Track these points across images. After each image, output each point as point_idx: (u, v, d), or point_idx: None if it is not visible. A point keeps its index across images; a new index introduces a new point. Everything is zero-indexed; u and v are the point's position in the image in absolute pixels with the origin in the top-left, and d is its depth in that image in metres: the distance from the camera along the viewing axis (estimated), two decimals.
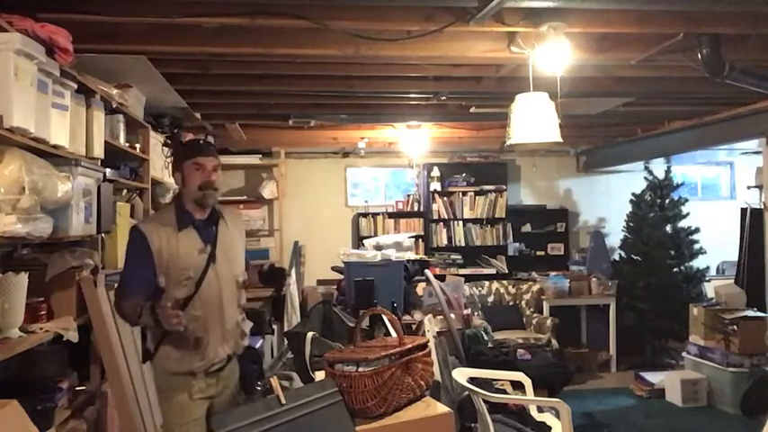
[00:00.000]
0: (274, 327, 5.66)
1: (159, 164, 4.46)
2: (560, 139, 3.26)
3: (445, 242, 7.36)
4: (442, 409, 2.14)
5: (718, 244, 7.11)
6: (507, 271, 7.32)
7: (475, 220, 7.39)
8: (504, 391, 3.58)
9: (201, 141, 2.58)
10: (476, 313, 5.69)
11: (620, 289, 6.69)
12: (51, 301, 2.73)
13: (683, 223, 6.89)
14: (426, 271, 4.38)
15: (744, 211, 6.60)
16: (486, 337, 4.30)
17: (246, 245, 2.73)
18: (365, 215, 7.31)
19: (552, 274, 6.94)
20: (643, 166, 7.04)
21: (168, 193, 4.72)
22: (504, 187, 7.41)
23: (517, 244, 7.49)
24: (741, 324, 5.26)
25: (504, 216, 7.37)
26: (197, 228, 2.50)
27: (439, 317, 3.83)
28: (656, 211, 6.93)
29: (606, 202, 7.79)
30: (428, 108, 5.14)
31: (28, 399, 2.19)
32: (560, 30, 2.93)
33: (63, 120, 2.71)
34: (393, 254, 4.25)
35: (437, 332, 3.52)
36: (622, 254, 7.18)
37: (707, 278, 6.92)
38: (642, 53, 3.43)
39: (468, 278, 6.66)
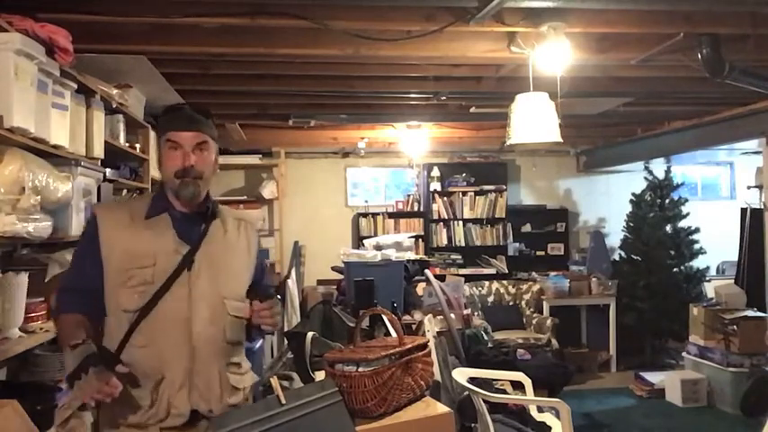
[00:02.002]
0: None
1: None
2: (560, 139, 3.26)
3: (445, 242, 7.36)
4: (442, 409, 2.13)
5: (718, 244, 7.12)
6: (507, 271, 7.33)
7: (475, 220, 7.39)
8: (504, 391, 3.58)
9: (183, 110, 1.88)
10: (476, 313, 5.68)
11: (620, 289, 6.70)
12: (51, 301, 2.73)
13: (683, 223, 6.90)
14: (426, 271, 4.37)
15: (744, 211, 6.60)
16: (486, 337, 4.30)
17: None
18: (365, 215, 7.31)
19: (552, 274, 6.95)
20: (643, 166, 7.04)
21: None
22: (504, 187, 7.41)
23: (517, 244, 7.50)
24: (741, 324, 5.26)
25: (504, 216, 7.37)
26: (174, 219, 1.87)
27: (439, 317, 3.82)
28: (656, 211, 6.94)
29: (606, 202, 7.79)
30: (428, 108, 5.15)
31: (28, 399, 2.19)
32: (560, 30, 2.93)
33: (63, 120, 2.71)
34: (393, 254, 4.24)
35: (437, 332, 3.52)
36: (622, 254, 7.19)
37: (707, 278, 6.93)
38: (642, 53, 3.43)
39: (468, 278, 6.66)
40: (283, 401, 1.88)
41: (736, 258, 6.64)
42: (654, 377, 5.83)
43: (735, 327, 5.28)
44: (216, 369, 1.87)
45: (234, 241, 1.96)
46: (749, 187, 6.51)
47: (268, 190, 7.06)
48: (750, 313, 5.44)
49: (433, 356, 2.67)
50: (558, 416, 3.10)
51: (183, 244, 1.84)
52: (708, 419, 5.13)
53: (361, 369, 1.99)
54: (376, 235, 6.78)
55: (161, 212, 1.87)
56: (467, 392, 3.05)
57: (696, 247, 6.85)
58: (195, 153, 1.83)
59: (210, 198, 1.96)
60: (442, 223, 7.38)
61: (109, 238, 1.82)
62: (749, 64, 3.49)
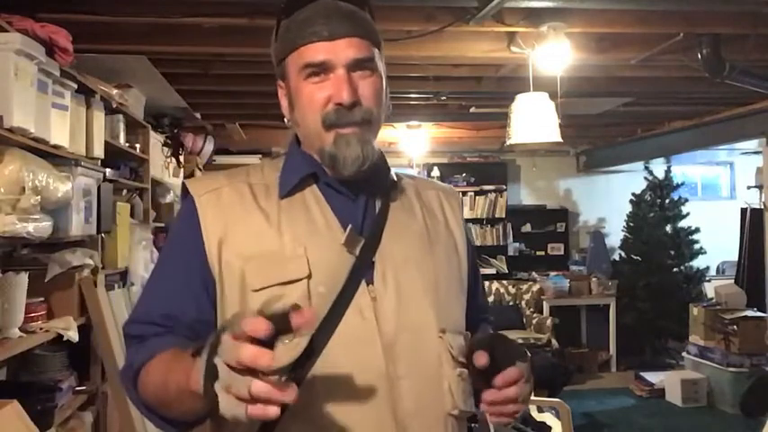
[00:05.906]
0: None
1: (159, 164, 4.46)
2: (560, 139, 3.27)
3: None
4: None
5: (718, 244, 7.11)
6: (507, 271, 7.33)
7: (475, 220, 7.39)
8: None
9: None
10: None
11: (620, 289, 6.70)
12: (51, 301, 2.72)
13: (683, 223, 6.90)
14: None
15: (744, 211, 6.60)
16: None
17: None
18: None
19: (552, 274, 6.95)
20: (643, 166, 7.04)
21: (168, 193, 4.67)
22: (504, 187, 7.41)
23: (517, 244, 7.50)
24: (741, 324, 5.26)
25: (504, 216, 7.37)
26: (329, 193, 1.06)
27: None
28: (656, 211, 6.94)
29: (606, 202, 7.79)
30: (428, 108, 5.14)
31: (28, 399, 2.19)
32: (560, 30, 2.93)
33: (63, 120, 2.70)
34: None
35: None
36: (622, 254, 7.19)
37: (707, 278, 6.93)
38: (642, 53, 3.43)
39: None
40: None
41: (736, 258, 6.63)
42: (654, 377, 5.83)
43: (735, 327, 5.28)
44: None
45: (434, 226, 1.12)
46: (749, 187, 6.50)
47: None
48: (750, 313, 5.44)
49: None
50: (558, 416, 3.10)
51: (350, 233, 1.01)
52: (708, 419, 5.12)
53: None
54: None
55: (305, 183, 1.06)
56: None
57: (696, 247, 6.85)
58: (355, 78, 1.00)
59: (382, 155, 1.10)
60: None
61: (219, 233, 1.00)
62: (749, 64, 3.49)
